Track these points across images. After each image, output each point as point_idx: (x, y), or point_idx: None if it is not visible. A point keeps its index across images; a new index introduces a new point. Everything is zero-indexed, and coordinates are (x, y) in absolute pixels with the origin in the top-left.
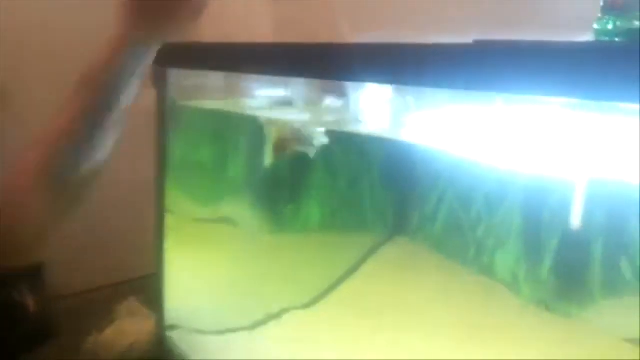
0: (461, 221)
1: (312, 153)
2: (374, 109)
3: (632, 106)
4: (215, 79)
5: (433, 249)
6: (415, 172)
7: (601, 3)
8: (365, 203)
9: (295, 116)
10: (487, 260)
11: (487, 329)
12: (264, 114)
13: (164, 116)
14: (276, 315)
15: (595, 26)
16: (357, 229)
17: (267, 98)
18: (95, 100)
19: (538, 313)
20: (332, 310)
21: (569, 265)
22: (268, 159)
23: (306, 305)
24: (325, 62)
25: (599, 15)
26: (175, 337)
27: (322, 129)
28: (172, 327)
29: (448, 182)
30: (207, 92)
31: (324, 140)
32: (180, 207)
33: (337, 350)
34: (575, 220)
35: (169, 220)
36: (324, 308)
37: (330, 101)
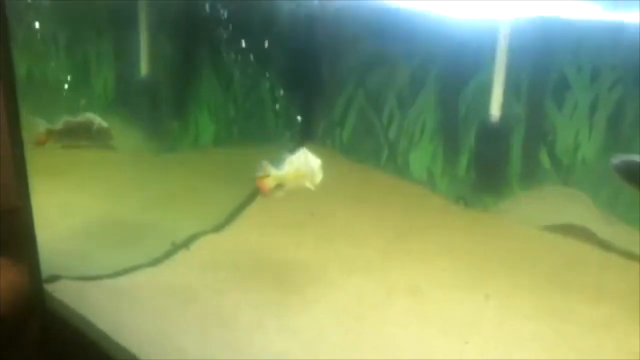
0: (373, 122)
1: (198, 56)
2: None
3: None
4: None
5: (345, 154)
6: (322, 70)
7: None
8: (266, 111)
9: None
10: (401, 160)
11: (410, 231)
12: None
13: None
14: (184, 244)
15: None
16: (260, 140)
17: None
18: None
19: (457, 209)
20: (249, 229)
21: (486, 159)
22: (144, 67)
23: (217, 228)
24: None
25: None
26: (57, 289)
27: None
28: (52, 279)
29: (359, 78)
30: None
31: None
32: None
33: (261, 271)
34: (493, 112)
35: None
36: (238, 228)
37: None
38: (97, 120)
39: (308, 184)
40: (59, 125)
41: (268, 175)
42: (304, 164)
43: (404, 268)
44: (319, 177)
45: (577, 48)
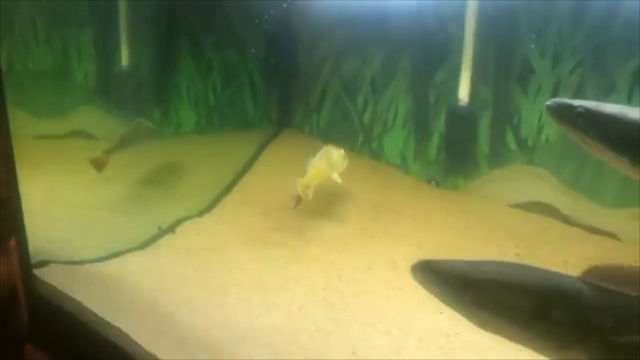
0: (348, 108)
1: (178, 46)
2: None
3: None
4: None
5: (322, 139)
6: (298, 58)
7: None
8: (244, 98)
9: None
10: (375, 145)
11: (386, 210)
12: None
13: None
14: (170, 228)
15: None
16: (240, 127)
17: None
18: None
19: (429, 189)
20: (232, 213)
21: (456, 141)
22: (125, 56)
23: (202, 212)
24: None
25: None
26: (47, 274)
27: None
28: (41, 263)
29: (333, 65)
30: None
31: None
32: (18, 124)
33: (246, 255)
34: (462, 96)
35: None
36: (222, 212)
37: None
38: (144, 122)
39: (335, 177)
40: (115, 142)
41: (298, 195)
42: (325, 160)
43: (382, 244)
44: (342, 166)
45: (540, 32)
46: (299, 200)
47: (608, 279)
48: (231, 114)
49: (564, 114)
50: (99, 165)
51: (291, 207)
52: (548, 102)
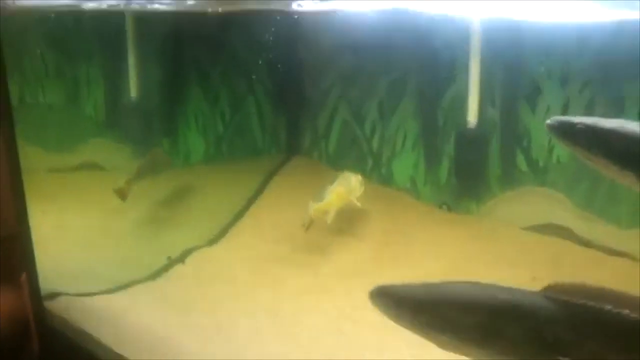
0: (356, 133)
1: (185, 75)
2: None
3: None
4: None
5: (331, 165)
6: (305, 84)
7: None
8: (253, 126)
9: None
10: (385, 170)
11: (397, 236)
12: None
13: None
14: (180, 258)
15: None
16: (249, 154)
17: None
18: None
19: (440, 214)
20: (242, 241)
21: (466, 164)
22: (133, 89)
23: (212, 242)
24: None
25: None
26: (58, 306)
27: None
28: (52, 296)
29: (341, 91)
30: None
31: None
32: (30, 157)
33: (256, 284)
34: (470, 119)
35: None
36: (232, 240)
37: None
38: (160, 152)
39: (353, 200)
40: (134, 173)
41: (311, 219)
42: (342, 186)
43: (394, 271)
44: (360, 191)
45: (547, 51)
46: (310, 224)
47: (572, 292)
48: (239, 142)
49: (566, 132)
50: (122, 194)
51: (304, 230)
52: (548, 121)
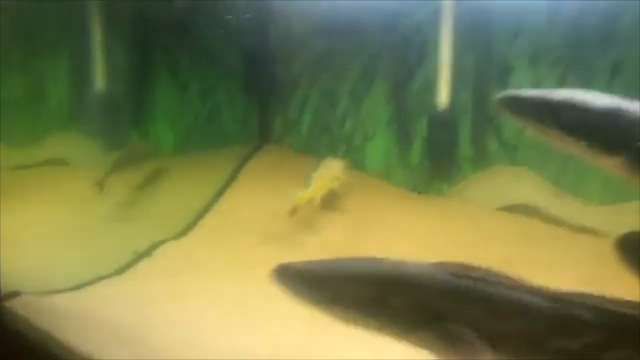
0: (328, 119)
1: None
2: None
3: None
4: None
5: (303, 151)
6: (276, 71)
7: None
8: (223, 115)
9: None
10: (358, 154)
11: (370, 220)
12: None
13: None
14: (147, 252)
15: None
16: (219, 144)
17: None
18: None
19: (413, 196)
20: (213, 233)
21: (437, 147)
22: (99, 78)
23: (179, 235)
24: None
25: None
26: (18, 305)
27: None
28: (12, 295)
29: (312, 77)
30: None
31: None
32: None
33: (225, 275)
34: (441, 101)
35: None
36: (202, 232)
37: None
38: (137, 144)
39: (336, 187)
40: (110, 166)
41: (295, 207)
42: (326, 173)
43: (367, 254)
44: (342, 177)
45: (516, 31)
46: (295, 211)
47: (458, 269)
48: (210, 131)
49: (516, 106)
50: (100, 187)
51: (289, 217)
52: (497, 96)
